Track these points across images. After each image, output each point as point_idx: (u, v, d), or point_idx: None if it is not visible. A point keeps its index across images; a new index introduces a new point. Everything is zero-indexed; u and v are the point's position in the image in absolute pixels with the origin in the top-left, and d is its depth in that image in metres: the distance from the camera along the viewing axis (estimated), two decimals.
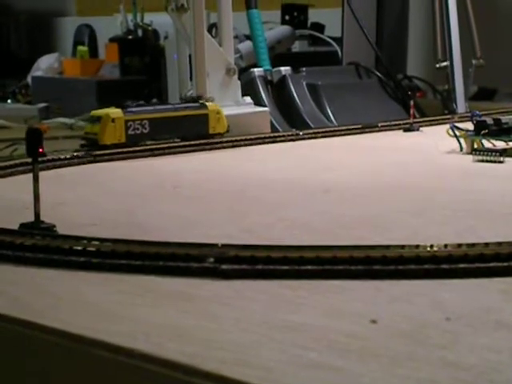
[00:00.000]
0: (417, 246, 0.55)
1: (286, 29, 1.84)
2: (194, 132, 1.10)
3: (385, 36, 1.67)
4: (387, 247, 0.55)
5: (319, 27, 1.97)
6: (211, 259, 0.54)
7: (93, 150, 1.01)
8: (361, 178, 0.92)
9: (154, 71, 1.77)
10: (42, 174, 0.89)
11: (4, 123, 1.61)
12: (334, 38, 1.84)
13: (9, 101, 1.99)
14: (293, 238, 0.64)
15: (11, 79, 2.08)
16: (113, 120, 1.02)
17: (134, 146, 1.04)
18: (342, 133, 1.25)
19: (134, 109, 1.06)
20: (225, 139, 1.14)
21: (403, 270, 0.53)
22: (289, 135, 1.20)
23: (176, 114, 1.08)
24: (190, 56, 1.23)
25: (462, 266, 0.53)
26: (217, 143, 1.12)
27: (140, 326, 0.45)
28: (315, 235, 0.66)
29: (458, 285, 0.52)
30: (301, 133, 1.22)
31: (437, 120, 1.36)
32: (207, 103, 1.12)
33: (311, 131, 1.24)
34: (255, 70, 1.40)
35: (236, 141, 1.14)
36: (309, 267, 0.53)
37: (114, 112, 1.02)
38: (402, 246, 0.55)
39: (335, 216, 0.73)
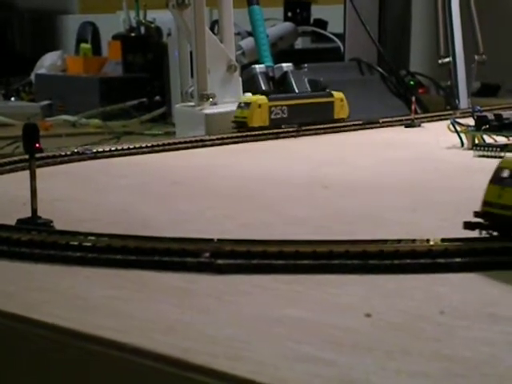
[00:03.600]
0: (413, 241, 0.54)
1: (288, 25, 1.84)
2: (322, 117, 1.24)
3: (387, 32, 1.67)
4: (384, 242, 0.55)
5: (322, 24, 1.97)
6: (207, 254, 0.54)
7: (243, 132, 1.16)
8: (360, 174, 0.92)
9: (157, 68, 1.76)
10: (42, 171, 0.90)
11: (7, 121, 1.61)
12: (337, 35, 1.84)
13: (12, 98, 2.00)
14: (290, 233, 0.64)
15: (15, 77, 2.08)
16: (259, 105, 1.16)
17: (275, 128, 1.19)
18: (343, 129, 1.25)
19: (275, 96, 1.22)
20: (226, 135, 1.14)
21: (399, 264, 0.53)
22: (290, 131, 1.20)
23: (308, 101, 1.23)
24: (191, 53, 1.23)
25: (457, 260, 0.53)
26: (217, 139, 1.13)
27: (134, 321, 0.45)
28: (313, 230, 0.66)
29: (453, 279, 0.52)
30: (302, 129, 1.21)
31: (438, 116, 1.36)
32: (333, 91, 1.27)
33: (313, 127, 1.24)
34: (257, 66, 1.40)
35: (237, 137, 1.14)
36: (304, 262, 0.53)
37: (260, 98, 1.18)
38: (399, 241, 0.55)
39: (334, 211, 0.73)
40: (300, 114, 1.22)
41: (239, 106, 1.18)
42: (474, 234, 0.56)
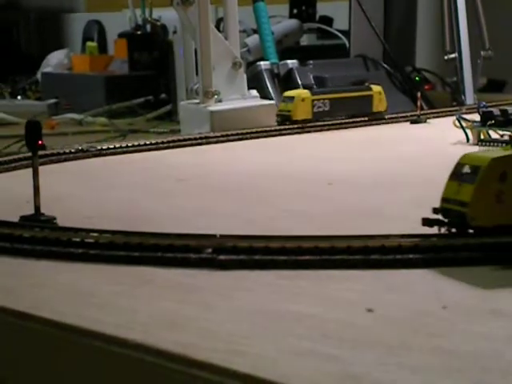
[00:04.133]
0: (415, 236, 0.54)
1: (293, 22, 1.84)
2: (361, 110, 1.27)
3: (393, 28, 1.66)
4: (386, 237, 0.55)
5: (328, 20, 1.97)
6: (209, 250, 0.54)
7: (286, 124, 1.20)
8: (365, 170, 0.92)
9: (162, 66, 1.76)
10: (47, 168, 0.90)
11: (13, 119, 1.61)
12: (342, 32, 1.83)
13: (19, 97, 2.00)
14: (294, 229, 0.64)
15: (21, 76, 2.08)
16: (303, 99, 1.20)
17: (317, 121, 1.23)
18: (349, 125, 1.25)
19: (318, 90, 1.27)
20: (230, 132, 1.14)
21: (401, 259, 0.52)
22: (295, 128, 1.20)
23: (349, 94, 1.26)
24: (196, 50, 1.23)
25: (461, 254, 0.53)
26: (222, 136, 1.12)
27: (136, 317, 0.45)
28: (317, 226, 0.65)
29: (455, 274, 0.52)
30: (307, 125, 1.21)
31: (444, 112, 1.35)
32: (372, 85, 1.29)
33: (317, 124, 1.23)
34: (262, 63, 1.40)
35: (242, 134, 1.14)
36: (307, 257, 0.53)
37: (304, 92, 1.22)
38: (401, 236, 0.54)
39: (337, 207, 0.73)
40: (341, 108, 1.26)
41: (283, 100, 1.21)
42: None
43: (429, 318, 0.44)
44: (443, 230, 0.54)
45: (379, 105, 1.29)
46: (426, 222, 0.54)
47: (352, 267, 0.52)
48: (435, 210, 0.54)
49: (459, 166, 0.55)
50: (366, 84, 1.30)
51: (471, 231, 0.54)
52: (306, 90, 1.23)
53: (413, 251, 0.53)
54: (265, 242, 0.54)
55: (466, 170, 0.54)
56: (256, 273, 0.52)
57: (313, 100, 1.22)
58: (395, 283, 0.50)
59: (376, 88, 1.29)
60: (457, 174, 0.54)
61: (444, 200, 0.54)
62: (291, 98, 1.21)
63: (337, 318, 0.44)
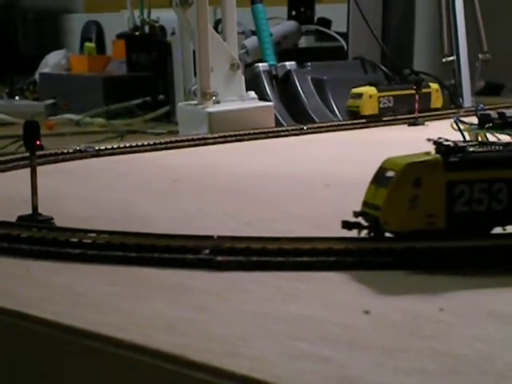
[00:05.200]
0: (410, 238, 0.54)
1: (292, 24, 1.84)
2: (421, 106, 1.30)
3: (391, 31, 1.66)
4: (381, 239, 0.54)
5: (326, 22, 1.97)
6: (206, 251, 0.54)
7: (355, 119, 1.27)
8: (363, 172, 0.91)
9: (161, 67, 1.76)
10: (44, 168, 0.90)
11: (10, 119, 1.61)
12: (341, 34, 1.83)
13: (16, 97, 2.00)
14: (291, 230, 0.64)
15: (19, 76, 2.08)
16: (370, 96, 1.27)
17: (383, 116, 1.29)
18: (347, 127, 1.25)
19: (383, 87, 1.34)
20: (228, 134, 1.14)
21: (396, 261, 0.52)
22: (292, 130, 1.20)
23: (410, 92, 1.30)
24: (194, 51, 1.23)
25: (454, 257, 0.53)
26: (220, 137, 1.12)
27: (132, 318, 0.45)
28: (314, 228, 0.65)
29: (452, 275, 0.52)
30: (305, 127, 1.21)
31: (442, 114, 1.36)
32: (430, 83, 1.39)
33: (315, 125, 1.24)
34: (260, 64, 1.40)
35: (240, 135, 1.14)
36: (304, 259, 0.53)
37: (371, 89, 1.28)
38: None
39: (334, 209, 0.72)
40: (403, 104, 1.32)
41: (352, 97, 1.27)
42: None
43: (425, 321, 0.44)
44: (363, 234, 0.54)
45: (436, 101, 1.38)
46: (346, 224, 0.54)
47: (349, 269, 0.52)
48: (355, 214, 0.54)
49: (381, 169, 0.55)
50: (425, 82, 1.38)
51: (391, 235, 0.53)
52: (372, 87, 1.29)
53: (409, 253, 0.53)
54: (262, 243, 0.54)
55: (386, 174, 0.53)
56: (253, 274, 0.52)
57: (379, 97, 1.29)
58: (392, 285, 0.50)
59: (434, 86, 1.38)
60: (377, 178, 0.54)
61: (364, 203, 0.54)
62: (359, 95, 1.27)
63: (334, 320, 0.44)
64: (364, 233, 0.54)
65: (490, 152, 0.54)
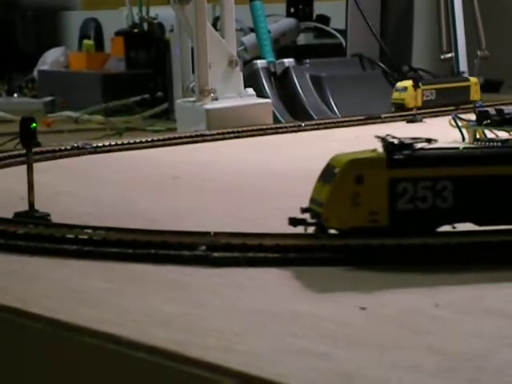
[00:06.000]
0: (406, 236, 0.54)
1: (290, 21, 1.84)
2: (460, 99, 1.39)
3: (389, 28, 1.66)
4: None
5: (325, 19, 1.96)
6: (203, 247, 0.54)
7: (401, 111, 1.32)
8: None
9: (159, 65, 1.76)
10: (42, 165, 0.90)
11: (9, 117, 1.61)
12: (339, 31, 1.83)
13: (15, 94, 2.00)
14: (288, 227, 0.64)
15: (18, 73, 2.08)
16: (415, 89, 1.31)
17: (426, 109, 1.34)
18: (345, 124, 1.25)
19: (426, 80, 1.45)
20: (226, 130, 1.14)
21: (394, 258, 0.52)
22: (291, 126, 1.20)
23: (451, 85, 1.41)
24: (192, 48, 1.23)
25: (451, 253, 0.53)
26: (218, 134, 1.12)
27: (129, 314, 0.45)
28: None
29: (448, 272, 0.52)
30: (303, 124, 1.21)
31: (440, 111, 1.35)
32: (469, 77, 1.47)
33: (313, 122, 1.24)
34: (258, 61, 1.40)
35: (238, 132, 1.14)
36: (300, 255, 0.53)
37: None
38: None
39: None
40: (444, 97, 1.39)
41: (396, 90, 1.33)
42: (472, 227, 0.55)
43: (422, 317, 0.44)
44: (310, 231, 0.54)
45: (475, 94, 1.44)
46: (292, 221, 0.54)
47: (346, 265, 0.52)
48: (302, 210, 0.54)
49: (328, 166, 0.54)
50: (465, 75, 1.48)
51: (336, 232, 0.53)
52: None
53: (405, 250, 0.53)
54: (258, 239, 0.54)
55: (333, 170, 0.53)
56: (249, 270, 0.52)
57: (422, 90, 1.34)
58: (389, 281, 0.50)
59: (473, 79, 1.45)
60: (324, 175, 0.54)
61: (310, 200, 0.54)
62: (405, 89, 1.32)
63: (330, 316, 0.44)
64: (311, 229, 0.54)
65: (436, 150, 0.54)
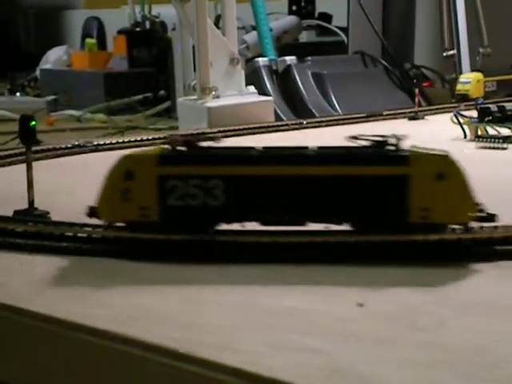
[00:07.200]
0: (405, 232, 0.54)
1: (292, 19, 1.84)
2: None
3: (391, 25, 1.66)
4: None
5: (327, 17, 1.97)
6: (199, 244, 0.54)
7: (463, 102, 1.31)
8: None
9: (161, 63, 1.76)
10: (42, 163, 0.90)
11: (11, 115, 1.61)
12: (341, 28, 1.83)
13: (18, 94, 2.00)
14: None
15: (20, 72, 2.09)
16: (478, 80, 1.33)
17: (487, 98, 1.34)
18: (347, 121, 1.25)
19: (487, 73, 1.43)
20: (228, 128, 1.14)
21: (391, 254, 0.52)
22: (292, 124, 1.20)
23: (510, 77, 1.51)
24: (193, 46, 1.23)
25: (450, 250, 0.53)
26: (219, 132, 1.12)
27: (124, 310, 0.45)
28: None
29: (445, 268, 0.51)
30: (304, 122, 1.21)
31: (442, 108, 1.35)
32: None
33: (315, 120, 1.23)
34: (260, 59, 1.40)
35: (239, 130, 1.14)
36: (297, 252, 0.53)
37: (478, 75, 1.36)
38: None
39: None
40: (504, 88, 1.50)
41: (460, 82, 1.36)
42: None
43: (419, 313, 0.44)
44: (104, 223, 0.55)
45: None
46: (90, 211, 0.55)
47: (342, 262, 0.52)
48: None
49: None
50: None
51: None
52: (479, 73, 1.38)
53: (403, 247, 0.53)
54: (256, 236, 0.54)
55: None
56: (245, 267, 0.52)
57: (485, 81, 1.39)
58: (386, 278, 0.50)
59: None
60: None
61: None
62: (469, 81, 1.36)
63: (327, 312, 0.44)
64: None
65: (221, 149, 0.54)
